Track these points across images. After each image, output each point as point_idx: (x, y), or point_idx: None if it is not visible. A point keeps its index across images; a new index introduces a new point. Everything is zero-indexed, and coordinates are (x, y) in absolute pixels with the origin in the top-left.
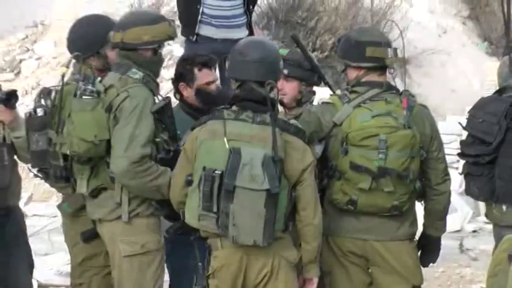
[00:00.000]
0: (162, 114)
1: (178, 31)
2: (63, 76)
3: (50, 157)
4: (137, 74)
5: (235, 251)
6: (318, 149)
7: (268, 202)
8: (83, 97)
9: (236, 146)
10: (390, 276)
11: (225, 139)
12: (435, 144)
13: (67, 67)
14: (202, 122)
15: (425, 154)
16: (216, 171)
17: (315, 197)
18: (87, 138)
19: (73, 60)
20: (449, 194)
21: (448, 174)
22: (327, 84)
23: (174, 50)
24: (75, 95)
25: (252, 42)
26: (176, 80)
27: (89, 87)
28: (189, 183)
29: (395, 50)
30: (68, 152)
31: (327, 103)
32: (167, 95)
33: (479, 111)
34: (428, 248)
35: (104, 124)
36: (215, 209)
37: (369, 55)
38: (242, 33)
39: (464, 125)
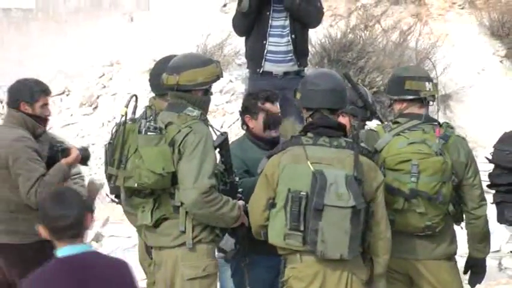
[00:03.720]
0: (221, 148)
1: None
2: (125, 115)
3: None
4: (194, 111)
5: (313, 265)
6: None
7: (353, 218)
8: (148, 133)
9: (318, 168)
10: None
11: (309, 162)
12: (470, 172)
13: (126, 107)
14: (280, 150)
15: (456, 180)
16: (302, 193)
17: (385, 212)
18: (156, 171)
19: (133, 100)
20: (485, 218)
21: (483, 199)
22: (378, 118)
23: (236, 86)
24: (139, 132)
25: (323, 74)
26: (243, 113)
27: (152, 123)
28: (272, 206)
29: (435, 84)
30: (135, 185)
31: (373, 130)
32: (225, 131)
33: (505, 145)
34: (474, 270)
35: (169, 157)
36: (302, 228)
37: (408, 88)
38: (295, 66)
39: (490, 158)
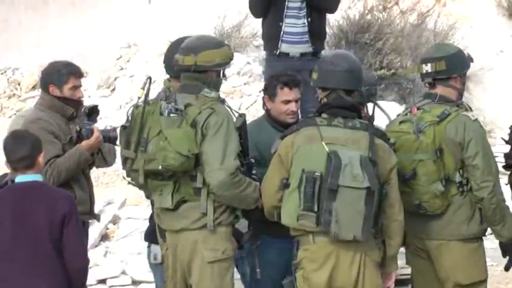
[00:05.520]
0: (241, 129)
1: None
2: (146, 96)
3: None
4: (211, 93)
5: (326, 246)
6: None
7: (368, 199)
8: (171, 115)
9: (333, 149)
10: (439, 271)
11: (323, 143)
12: (469, 152)
13: (143, 88)
14: (294, 130)
15: (434, 157)
16: (316, 173)
17: (399, 194)
18: (183, 152)
19: (148, 82)
20: (491, 199)
21: (485, 180)
22: (372, 102)
23: (253, 68)
24: (161, 114)
25: (340, 54)
26: (263, 92)
27: (173, 105)
28: (286, 186)
29: (435, 65)
30: (159, 167)
31: (398, 115)
32: (243, 113)
33: None
34: (507, 254)
35: (193, 139)
36: (315, 208)
37: (417, 71)
38: (310, 48)
39: (506, 139)
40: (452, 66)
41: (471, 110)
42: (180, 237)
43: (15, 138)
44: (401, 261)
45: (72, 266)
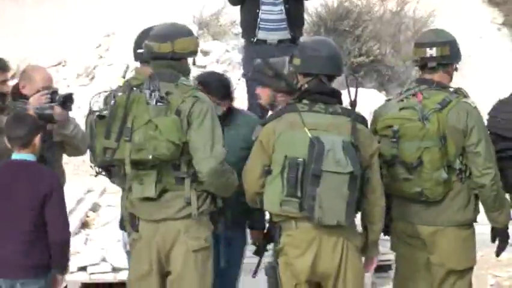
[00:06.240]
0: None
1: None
2: (129, 85)
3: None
4: (189, 81)
5: (309, 232)
6: None
7: (351, 184)
8: (158, 104)
9: (315, 134)
10: (431, 257)
11: (306, 129)
12: (471, 139)
13: (123, 77)
14: (275, 116)
15: (439, 145)
16: (299, 159)
17: (380, 179)
18: (175, 141)
19: (127, 70)
20: (492, 186)
21: (488, 168)
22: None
23: (232, 56)
24: (148, 103)
25: (321, 40)
26: None
27: (157, 93)
28: (268, 172)
29: (441, 49)
30: (149, 157)
31: (387, 100)
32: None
33: (498, 111)
34: (498, 239)
35: (181, 127)
36: (299, 194)
37: (414, 55)
38: (288, 34)
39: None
40: (454, 52)
41: (468, 96)
42: (160, 226)
43: (15, 119)
44: (382, 247)
45: (52, 239)
